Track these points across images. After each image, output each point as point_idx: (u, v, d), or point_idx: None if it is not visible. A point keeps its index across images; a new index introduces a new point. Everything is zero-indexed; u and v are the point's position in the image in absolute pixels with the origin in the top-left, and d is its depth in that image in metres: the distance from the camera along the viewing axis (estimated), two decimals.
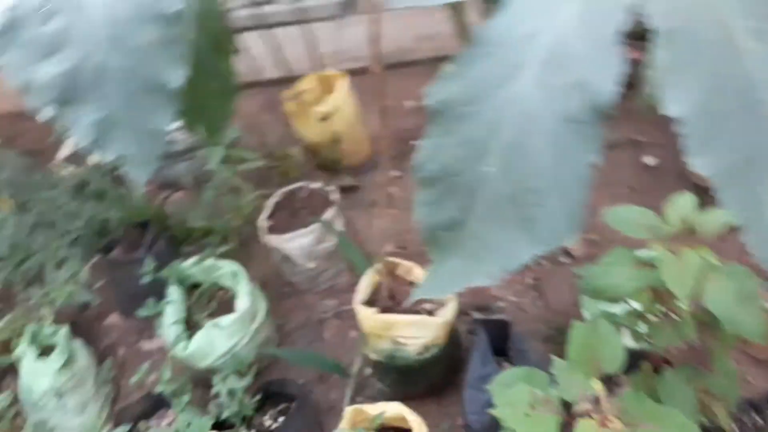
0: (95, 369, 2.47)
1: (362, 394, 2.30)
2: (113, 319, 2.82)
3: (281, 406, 2.22)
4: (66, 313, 2.53)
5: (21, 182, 2.59)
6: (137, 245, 2.69)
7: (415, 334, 2.05)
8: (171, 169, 3.25)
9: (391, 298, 2.18)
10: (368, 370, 2.31)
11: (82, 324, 2.69)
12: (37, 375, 2.29)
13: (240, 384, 1.99)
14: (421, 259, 2.27)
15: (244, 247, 2.64)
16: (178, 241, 2.84)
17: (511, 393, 1.24)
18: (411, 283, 2.21)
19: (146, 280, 2.27)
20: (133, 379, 2.11)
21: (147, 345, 2.69)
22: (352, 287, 2.71)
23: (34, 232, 2.21)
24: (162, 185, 3.30)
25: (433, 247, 0.83)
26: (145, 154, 0.74)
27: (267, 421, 2.20)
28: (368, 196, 3.07)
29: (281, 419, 2.18)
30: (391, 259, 2.23)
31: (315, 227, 2.54)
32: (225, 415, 1.98)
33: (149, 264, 2.28)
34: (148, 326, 2.79)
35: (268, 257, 2.68)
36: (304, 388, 2.15)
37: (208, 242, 2.64)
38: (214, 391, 2.02)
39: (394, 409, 1.83)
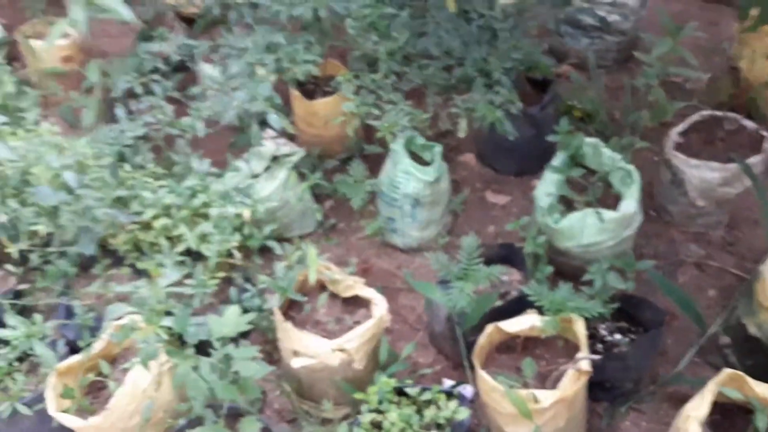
0: (449, 196, 2.48)
1: (703, 357, 2.07)
2: (467, 158, 2.81)
3: (620, 323, 2.07)
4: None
5: None
6: (527, 99, 2.58)
7: None
8: (576, 40, 3.05)
9: None
10: (725, 339, 2.06)
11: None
12: (410, 177, 2.33)
13: (619, 284, 1.85)
14: None
15: (635, 151, 2.41)
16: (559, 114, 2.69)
17: None
18: None
19: (554, 139, 2.16)
20: (508, 227, 2.07)
21: (492, 198, 2.65)
22: (727, 244, 2.42)
23: (469, 46, 2.16)
24: (554, 53, 3.12)
25: None
26: None
27: (602, 330, 2.07)
28: None
29: (618, 336, 2.04)
30: None
31: (731, 167, 2.23)
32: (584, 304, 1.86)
33: (564, 125, 2.16)
34: (497, 180, 2.75)
35: (654, 171, 2.44)
36: (663, 319, 1.95)
37: (597, 129, 2.45)
38: (585, 278, 1.91)
39: None
